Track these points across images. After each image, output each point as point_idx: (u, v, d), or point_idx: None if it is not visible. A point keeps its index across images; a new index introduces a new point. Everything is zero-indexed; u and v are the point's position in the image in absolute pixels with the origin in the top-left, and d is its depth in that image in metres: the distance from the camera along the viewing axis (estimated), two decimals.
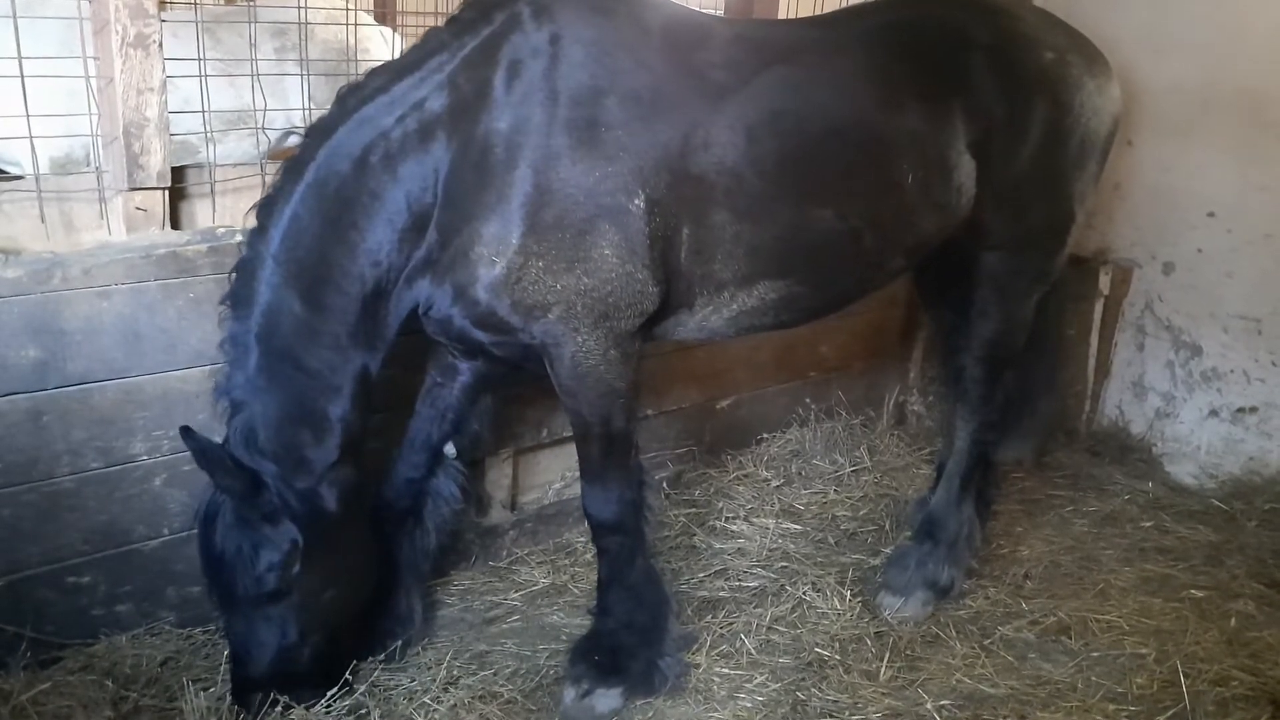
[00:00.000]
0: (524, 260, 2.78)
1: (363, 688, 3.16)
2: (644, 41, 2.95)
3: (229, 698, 2.99)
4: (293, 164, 2.79)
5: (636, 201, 2.83)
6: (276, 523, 2.81)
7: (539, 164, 2.76)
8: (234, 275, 2.81)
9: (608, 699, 3.17)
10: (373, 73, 2.86)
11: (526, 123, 2.77)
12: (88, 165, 4.27)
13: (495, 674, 3.30)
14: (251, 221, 2.82)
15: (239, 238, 3.23)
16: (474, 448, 3.60)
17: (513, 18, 2.82)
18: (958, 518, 3.89)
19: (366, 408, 2.92)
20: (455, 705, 3.12)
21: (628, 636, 3.21)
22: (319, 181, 2.73)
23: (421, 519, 3.39)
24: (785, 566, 4.01)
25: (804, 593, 3.79)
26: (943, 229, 3.42)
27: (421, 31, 6.22)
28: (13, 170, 4.19)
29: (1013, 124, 3.43)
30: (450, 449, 3.39)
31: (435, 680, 3.21)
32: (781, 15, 4.83)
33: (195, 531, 2.88)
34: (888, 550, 4.09)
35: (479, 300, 2.84)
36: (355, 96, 2.79)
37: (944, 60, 3.37)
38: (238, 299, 2.78)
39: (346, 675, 3.11)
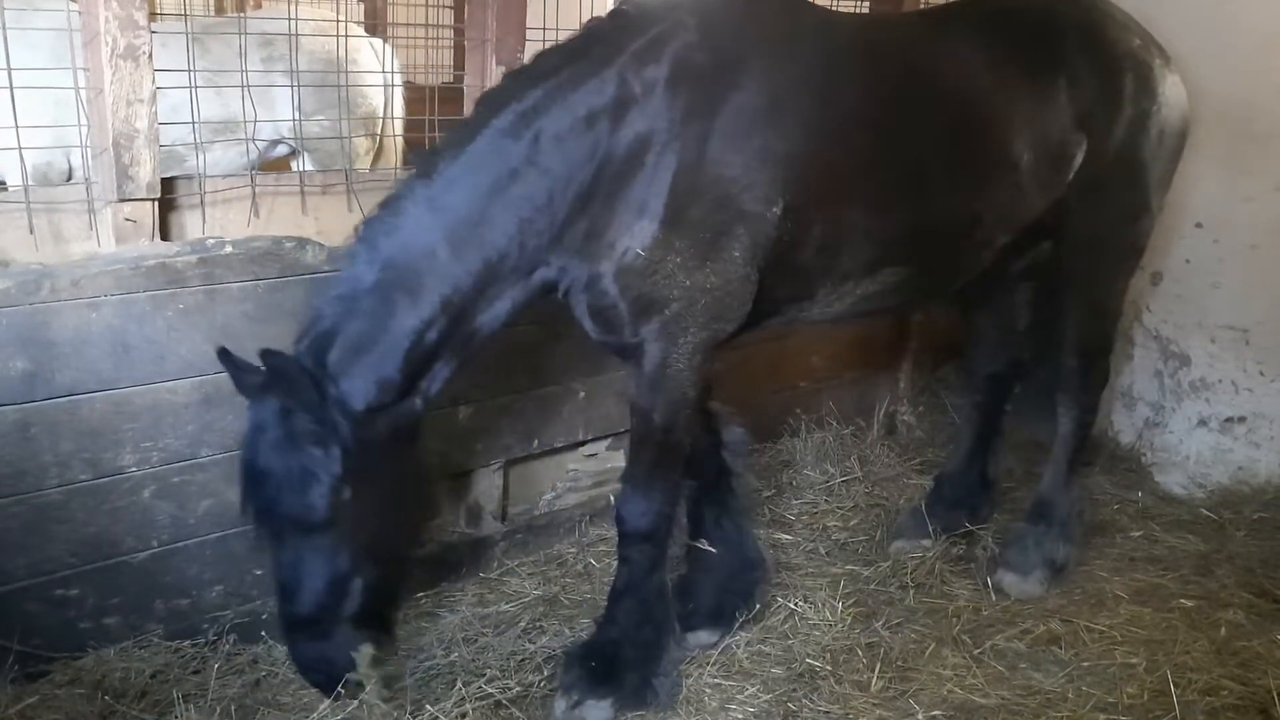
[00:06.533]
0: (663, 255, 2.87)
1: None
2: (790, 50, 3.08)
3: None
4: (463, 126, 2.91)
5: (774, 209, 2.96)
6: (326, 446, 2.72)
7: (692, 165, 2.87)
8: (382, 208, 2.83)
9: (598, 710, 3.15)
10: (541, 55, 2.97)
11: (686, 125, 2.87)
12: (71, 174, 4.27)
13: (488, 681, 3.26)
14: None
15: (228, 249, 3.24)
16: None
17: (678, 24, 2.93)
18: (1067, 498, 4.09)
19: (451, 351, 2.88)
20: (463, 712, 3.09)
21: (629, 649, 3.19)
22: (487, 149, 2.80)
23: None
24: (776, 577, 4.00)
25: (795, 603, 3.78)
26: (1049, 206, 3.56)
27: (411, 43, 6.28)
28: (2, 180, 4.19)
29: (1106, 98, 3.60)
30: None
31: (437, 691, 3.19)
32: None
33: (238, 458, 2.80)
34: (882, 564, 4.10)
35: (607, 290, 2.92)
36: (526, 74, 2.91)
37: (1043, 41, 3.59)
38: (376, 230, 2.79)
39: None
